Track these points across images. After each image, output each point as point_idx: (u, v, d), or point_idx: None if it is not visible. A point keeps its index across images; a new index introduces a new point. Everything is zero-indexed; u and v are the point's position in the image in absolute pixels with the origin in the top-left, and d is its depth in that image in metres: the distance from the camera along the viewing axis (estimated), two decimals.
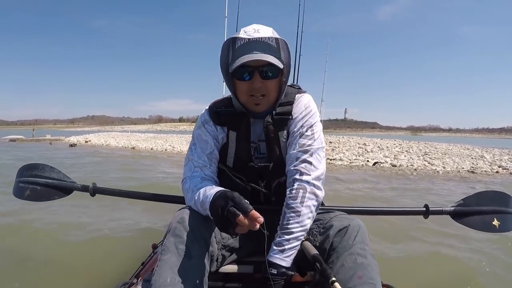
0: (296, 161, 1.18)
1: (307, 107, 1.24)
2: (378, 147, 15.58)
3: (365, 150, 14.39)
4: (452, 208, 1.44)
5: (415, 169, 10.15)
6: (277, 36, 1.16)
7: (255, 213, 0.86)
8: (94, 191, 1.49)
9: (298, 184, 1.15)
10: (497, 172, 9.93)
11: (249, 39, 1.12)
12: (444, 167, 10.41)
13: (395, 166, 10.67)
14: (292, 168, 1.18)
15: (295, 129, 1.22)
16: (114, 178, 7.28)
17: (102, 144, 20.95)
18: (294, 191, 1.14)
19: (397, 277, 2.38)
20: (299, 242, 1.11)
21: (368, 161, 11.42)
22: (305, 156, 1.18)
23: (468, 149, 16.72)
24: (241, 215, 0.86)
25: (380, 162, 11.19)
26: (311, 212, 1.13)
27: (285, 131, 1.24)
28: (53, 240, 3.21)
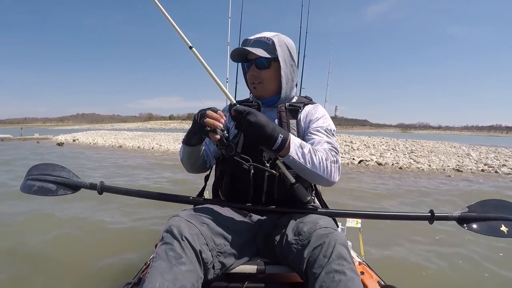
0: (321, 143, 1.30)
1: (317, 107, 1.45)
2: (365, 145, 15.42)
3: (351, 148, 14.25)
4: (458, 214, 1.43)
5: (400, 167, 10.17)
6: (275, 37, 1.34)
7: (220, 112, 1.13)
8: (102, 189, 1.48)
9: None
10: (482, 170, 9.94)
11: (248, 38, 1.39)
12: (429, 165, 10.44)
13: (381, 164, 10.67)
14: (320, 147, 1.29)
15: (311, 118, 1.39)
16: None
17: (90, 143, 20.67)
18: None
19: (399, 278, 2.42)
20: (307, 155, 1.16)
21: (353, 159, 11.40)
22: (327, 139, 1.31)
23: (454, 147, 16.65)
24: (210, 110, 1.13)
25: (366, 160, 11.17)
26: (325, 160, 1.19)
27: (295, 121, 1.38)
28: (59, 238, 3.27)
